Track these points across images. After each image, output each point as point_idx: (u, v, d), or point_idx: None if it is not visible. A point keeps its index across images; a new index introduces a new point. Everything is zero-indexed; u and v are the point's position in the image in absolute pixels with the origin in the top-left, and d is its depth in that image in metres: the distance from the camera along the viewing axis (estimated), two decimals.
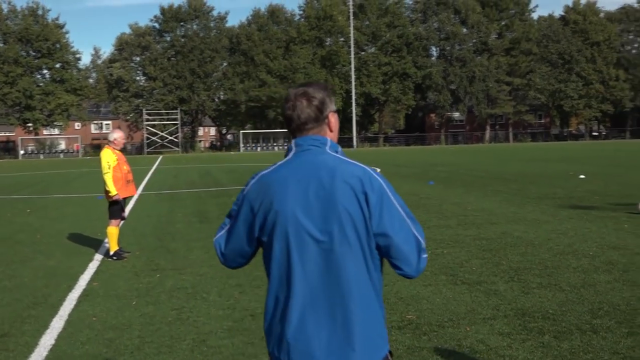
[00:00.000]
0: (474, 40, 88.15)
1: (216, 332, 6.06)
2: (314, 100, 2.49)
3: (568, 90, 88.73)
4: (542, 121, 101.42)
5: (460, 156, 45.95)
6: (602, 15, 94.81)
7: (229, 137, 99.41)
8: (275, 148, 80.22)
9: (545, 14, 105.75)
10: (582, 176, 22.43)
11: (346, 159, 2.47)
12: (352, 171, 2.41)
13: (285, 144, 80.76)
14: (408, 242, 2.40)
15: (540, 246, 9.80)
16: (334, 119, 2.56)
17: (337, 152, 2.50)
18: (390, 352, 2.46)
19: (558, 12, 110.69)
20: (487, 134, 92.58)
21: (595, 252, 9.18)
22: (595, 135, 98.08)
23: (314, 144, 2.48)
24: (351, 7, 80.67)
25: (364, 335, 2.35)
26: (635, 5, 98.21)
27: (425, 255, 2.45)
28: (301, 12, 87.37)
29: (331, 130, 2.56)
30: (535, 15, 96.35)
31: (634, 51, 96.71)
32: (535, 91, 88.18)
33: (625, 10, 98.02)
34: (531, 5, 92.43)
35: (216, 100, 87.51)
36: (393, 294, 7.22)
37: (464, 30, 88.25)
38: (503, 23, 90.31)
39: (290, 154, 2.51)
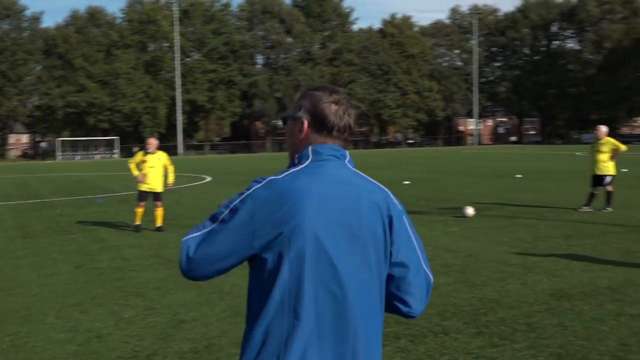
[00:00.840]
0: (299, 50, 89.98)
1: (59, 358, 5.58)
2: (345, 103, 2.24)
3: (386, 99, 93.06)
4: (363, 129, 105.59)
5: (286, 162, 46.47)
6: (416, 29, 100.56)
7: (43, 144, 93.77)
8: (96, 156, 76.76)
9: (365, 26, 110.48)
10: (406, 182, 23.51)
11: (364, 175, 2.23)
12: (376, 190, 2.18)
13: (108, 151, 77.72)
14: (419, 275, 2.21)
15: None
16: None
17: (353, 166, 2.25)
18: None
19: (377, 25, 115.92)
20: None
21: (431, 256, 9.58)
22: (411, 142, 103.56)
23: (335, 154, 2.19)
24: (176, 12, 79.32)
25: None
26: (446, 21, 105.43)
27: (429, 294, 2.27)
28: (123, 16, 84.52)
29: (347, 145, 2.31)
30: (356, 27, 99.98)
31: (445, 64, 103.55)
32: (357, 100, 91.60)
33: (437, 25, 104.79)
34: (352, 18, 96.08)
35: (29, 105, 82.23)
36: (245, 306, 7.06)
37: (289, 39, 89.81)
38: (326, 34, 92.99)
39: (306, 162, 2.16)
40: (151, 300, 7.49)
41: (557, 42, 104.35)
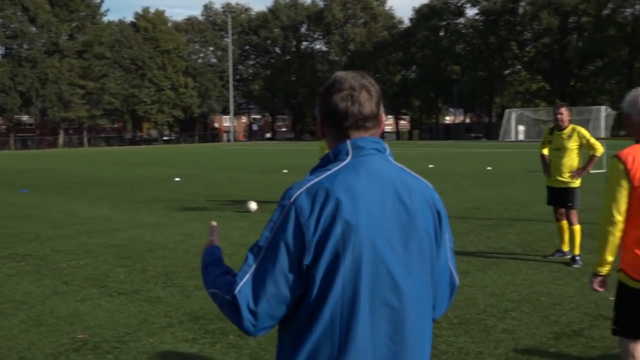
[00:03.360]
0: (44, 40, 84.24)
1: None
2: (374, 93, 2.00)
3: (141, 95, 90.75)
4: (116, 125, 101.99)
5: (42, 161, 43.49)
6: (170, 24, 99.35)
7: None
8: None
9: (116, 19, 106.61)
10: (177, 179, 23.20)
11: (407, 169, 2.04)
12: (424, 185, 2.02)
13: None
14: (444, 276, 2.07)
15: (176, 249, 9.89)
16: (384, 119, 2.08)
17: (394, 159, 2.05)
18: None
19: (129, 18, 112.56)
20: (61, 138, 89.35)
21: (229, 251, 9.58)
22: (167, 139, 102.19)
23: (377, 147, 1.98)
24: None
25: None
26: (200, 17, 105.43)
27: (452, 297, 2.13)
28: None
29: (382, 131, 2.08)
30: (107, 20, 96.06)
31: (200, 60, 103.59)
32: (110, 95, 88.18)
33: (191, 21, 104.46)
34: (102, 9, 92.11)
35: None
36: (47, 314, 6.55)
37: (33, 29, 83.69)
38: (74, 24, 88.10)
39: (347, 158, 1.94)
40: None
41: (306, 43, 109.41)
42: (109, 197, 18.00)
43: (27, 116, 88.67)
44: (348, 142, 1.97)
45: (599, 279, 3.62)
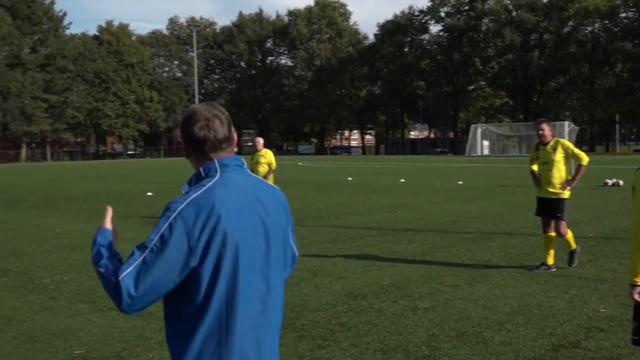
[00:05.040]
0: (5, 53, 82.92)
1: None
2: (225, 120, 2.45)
3: (106, 109, 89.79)
4: (80, 139, 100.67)
5: (5, 175, 42.71)
6: (134, 38, 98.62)
7: None
8: None
9: (79, 32, 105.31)
10: (149, 193, 22.95)
11: (259, 178, 2.56)
12: (276, 192, 2.55)
13: None
14: (290, 251, 2.63)
15: None
16: (235, 138, 2.53)
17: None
18: None
19: (92, 31, 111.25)
20: (24, 152, 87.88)
21: None
22: (131, 153, 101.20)
23: (238, 163, 2.45)
24: None
25: None
26: (164, 31, 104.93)
27: (294, 265, 2.72)
28: None
29: (234, 149, 2.53)
30: (69, 32, 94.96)
31: (165, 74, 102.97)
32: (73, 109, 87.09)
33: (155, 35, 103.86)
34: (65, 22, 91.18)
35: None
36: (39, 329, 6.45)
37: None
38: (36, 37, 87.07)
39: (217, 175, 2.38)
40: None
41: (271, 58, 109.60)
42: (82, 211, 17.75)
43: None
44: (216, 161, 2.41)
45: (638, 289, 3.66)
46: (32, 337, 6.24)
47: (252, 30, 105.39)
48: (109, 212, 2.54)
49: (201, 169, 2.41)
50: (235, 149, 2.53)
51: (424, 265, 9.33)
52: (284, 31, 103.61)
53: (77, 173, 44.67)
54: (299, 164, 55.14)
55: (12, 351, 5.86)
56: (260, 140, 15.10)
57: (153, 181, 32.05)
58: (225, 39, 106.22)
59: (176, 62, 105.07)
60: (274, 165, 14.45)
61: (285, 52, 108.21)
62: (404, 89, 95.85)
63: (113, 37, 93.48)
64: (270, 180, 14.58)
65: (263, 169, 14.34)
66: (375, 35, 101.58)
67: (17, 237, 12.95)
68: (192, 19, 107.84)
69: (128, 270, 2.21)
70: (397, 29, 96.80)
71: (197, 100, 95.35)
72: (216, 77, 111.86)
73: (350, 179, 30.51)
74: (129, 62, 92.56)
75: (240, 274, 2.28)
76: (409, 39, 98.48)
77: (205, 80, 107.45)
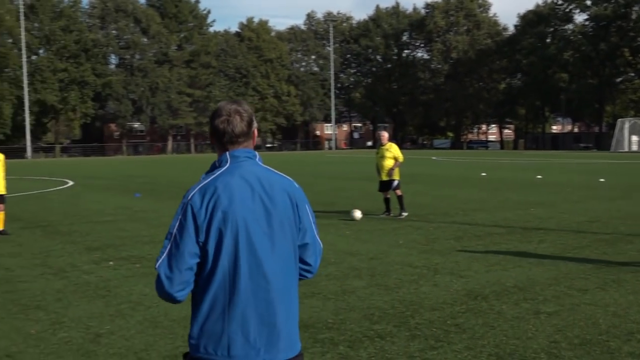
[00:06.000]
0: (154, 51, 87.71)
1: None
2: (245, 117, 2.77)
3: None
4: None
5: (151, 167, 45.22)
6: (273, 34, 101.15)
7: None
8: None
9: (221, 29, 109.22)
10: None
11: (272, 169, 2.82)
12: (285, 180, 2.79)
13: None
14: (314, 243, 2.84)
15: None
16: (256, 134, 2.86)
17: (262, 162, 2.82)
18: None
19: (234, 28, 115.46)
20: (170, 144, 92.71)
21: (336, 259, 9.60)
22: (269, 146, 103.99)
23: (248, 155, 2.76)
24: (21, 6, 74.63)
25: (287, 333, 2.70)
26: (302, 27, 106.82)
27: (321, 256, 2.92)
28: None
29: (254, 143, 2.85)
30: (212, 30, 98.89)
31: (302, 69, 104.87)
32: (215, 103, 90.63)
33: (293, 31, 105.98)
34: (209, 20, 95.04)
35: None
36: (163, 316, 6.73)
37: (145, 40, 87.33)
38: (182, 35, 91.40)
39: (227, 165, 2.72)
40: (55, 314, 6.94)
41: (407, 51, 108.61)
42: None
43: (138, 123, 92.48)
44: (227, 153, 2.75)
45: None
46: (155, 323, 6.51)
47: (389, 24, 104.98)
48: None
49: (217, 160, 2.77)
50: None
51: (552, 267, 8.89)
52: (421, 24, 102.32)
53: None
54: (433, 158, 54.39)
55: (134, 335, 6.15)
56: (385, 134, 15.13)
57: (288, 174, 32.65)
58: (361, 33, 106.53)
59: (313, 57, 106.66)
60: (400, 158, 14.52)
61: (422, 45, 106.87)
62: (545, 81, 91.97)
63: (253, 33, 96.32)
64: (396, 174, 14.49)
65: (389, 162, 14.36)
66: (516, 26, 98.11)
67: (154, 226, 13.62)
68: (329, 14, 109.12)
69: (161, 258, 2.60)
70: (539, 19, 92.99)
71: (332, 94, 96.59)
72: (352, 71, 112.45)
73: (484, 174, 29.72)
74: (268, 58, 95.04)
75: (240, 249, 2.57)
76: (551, 29, 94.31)
77: (341, 75, 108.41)
